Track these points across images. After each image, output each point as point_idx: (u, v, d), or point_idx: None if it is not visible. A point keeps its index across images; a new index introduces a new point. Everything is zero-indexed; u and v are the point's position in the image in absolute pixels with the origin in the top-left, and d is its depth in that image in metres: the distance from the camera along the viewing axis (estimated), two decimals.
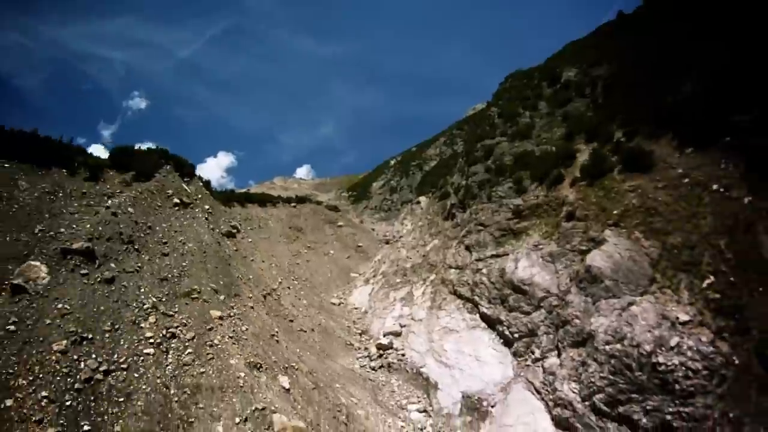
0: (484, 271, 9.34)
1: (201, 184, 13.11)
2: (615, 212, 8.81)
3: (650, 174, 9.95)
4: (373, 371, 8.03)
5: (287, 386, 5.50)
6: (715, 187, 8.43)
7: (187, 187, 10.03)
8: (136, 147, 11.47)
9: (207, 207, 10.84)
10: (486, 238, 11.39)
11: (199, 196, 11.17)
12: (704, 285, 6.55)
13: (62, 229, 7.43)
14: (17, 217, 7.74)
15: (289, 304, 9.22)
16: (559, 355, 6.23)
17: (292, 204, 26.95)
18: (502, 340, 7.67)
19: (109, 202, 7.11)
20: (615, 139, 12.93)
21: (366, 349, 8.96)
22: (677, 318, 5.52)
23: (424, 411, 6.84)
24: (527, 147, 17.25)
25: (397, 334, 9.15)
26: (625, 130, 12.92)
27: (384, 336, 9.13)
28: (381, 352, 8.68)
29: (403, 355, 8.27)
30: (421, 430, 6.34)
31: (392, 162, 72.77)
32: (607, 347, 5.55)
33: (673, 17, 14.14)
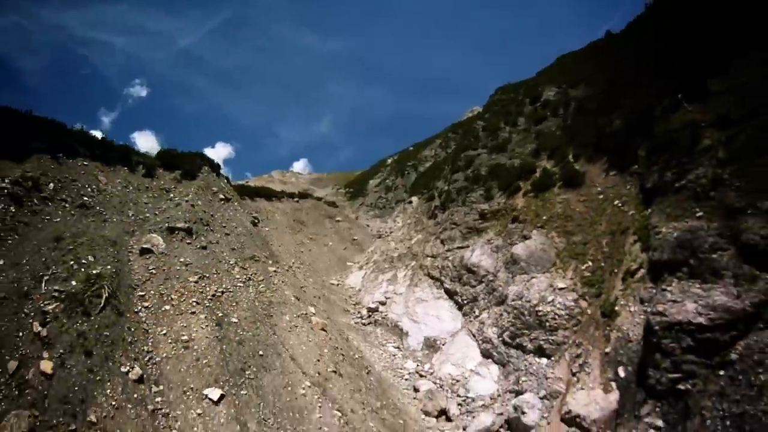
0: (450, 258, 12.94)
1: (227, 181, 16.63)
2: (544, 217, 12.45)
3: (578, 190, 13.55)
4: (364, 326, 11.57)
5: (314, 311, 9.03)
6: (616, 202, 12.07)
7: (224, 185, 13.54)
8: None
9: (236, 202, 14.36)
10: (456, 234, 15.01)
11: (227, 191, 14.69)
12: (583, 267, 10.18)
13: (147, 214, 10.93)
14: (113, 203, 11.20)
15: (301, 278, 12.74)
16: (488, 312, 9.83)
17: (295, 199, 29.92)
18: (456, 306, 11.25)
19: (185, 196, 10.59)
20: (566, 159, 16.37)
21: (359, 312, 12.51)
22: (558, 285, 9.15)
23: (398, 347, 10.40)
24: (501, 160, 20.59)
25: (383, 303, 12.71)
26: (574, 152, 16.38)
27: (372, 303, 12.70)
28: (370, 313, 12.24)
29: (386, 315, 11.82)
30: (394, 356, 9.90)
31: (389, 161, 75.61)
32: (513, 303, 9.14)
33: (651, 37, 17.03)
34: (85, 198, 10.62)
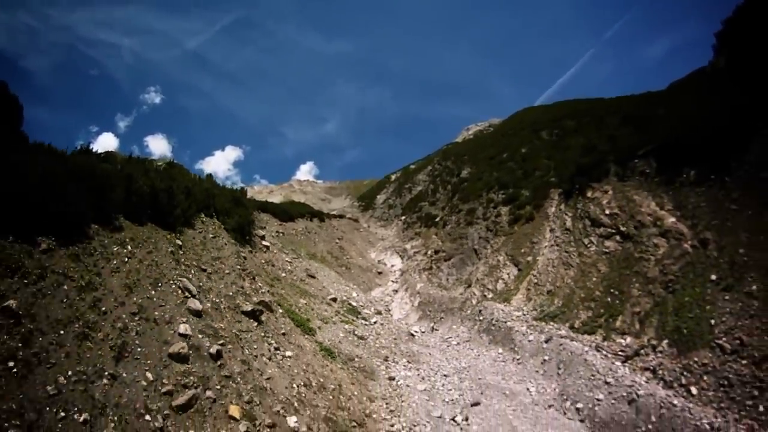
0: (402, 246, 56.43)
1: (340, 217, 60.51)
2: (423, 237, 55.72)
3: (438, 229, 57.22)
4: (375, 264, 54.71)
5: (368, 258, 52.27)
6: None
7: (342, 223, 57.42)
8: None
9: (353, 227, 58.02)
10: (407, 238, 58.70)
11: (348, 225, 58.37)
12: (429, 249, 53.26)
13: (333, 235, 55.16)
14: (322, 234, 55.53)
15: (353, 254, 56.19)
16: (405, 259, 53.19)
17: (336, 218, 73.71)
18: (400, 258, 54.65)
19: (334, 226, 54.47)
20: (448, 218, 60.30)
21: (376, 262, 55.84)
22: (413, 247, 52.55)
23: (384, 266, 53.53)
24: (431, 210, 64.83)
25: (381, 260, 56.20)
26: (447, 215, 60.37)
27: (378, 261, 56.13)
28: (378, 262, 55.63)
29: (382, 262, 55.10)
30: (383, 268, 52.96)
31: (393, 177, 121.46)
32: (408, 254, 52.54)
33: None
34: (309, 231, 54.73)
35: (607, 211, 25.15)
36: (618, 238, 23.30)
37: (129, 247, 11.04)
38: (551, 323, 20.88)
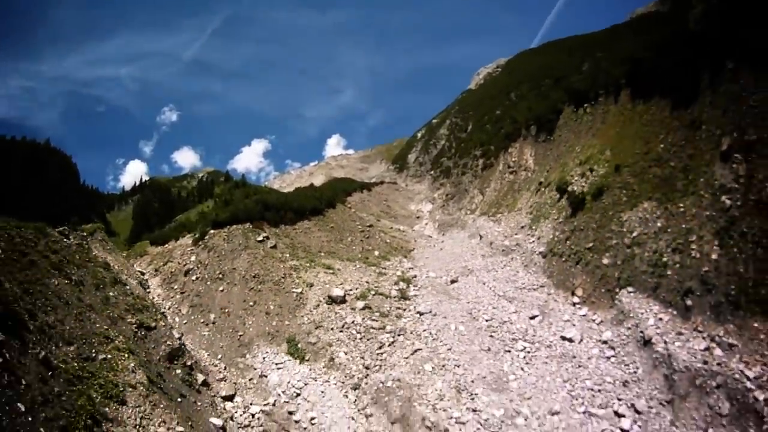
0: (431, 196, 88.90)
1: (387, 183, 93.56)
2: (443, 187, 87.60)
3: (450, 179, 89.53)
4: (414, 213, 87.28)
5: (408, 209, 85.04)
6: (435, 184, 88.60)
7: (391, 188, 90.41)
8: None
9: (394, 189, 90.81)
10: (435, 188, 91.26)
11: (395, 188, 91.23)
12: (444, 196, 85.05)
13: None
14: (375, 198, 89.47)
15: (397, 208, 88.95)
16: (431, 204, 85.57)
17: (378, 184, 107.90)
18: (432, 204, 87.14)
19: (385, 192, 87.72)
20: (447, 175, 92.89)
21: (415, 211, 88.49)
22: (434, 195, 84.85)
23: (420, 213, 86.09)
24: (449, 165, 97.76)
25: (420, 210, 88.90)
26: (445, 175, 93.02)
27: (416, 210, 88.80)
28: (417, 212, 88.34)
29: (420, 211, 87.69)
30: (419, 213, 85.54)
31: (419, 135, 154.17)
32: (436, 200, 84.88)
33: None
34: (363, 200, 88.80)
35: (512, 159, 57.18)
36: (514, 173, 55.29)
37: (332, 215, 45.27)
38: (481, 216, 54.37)
